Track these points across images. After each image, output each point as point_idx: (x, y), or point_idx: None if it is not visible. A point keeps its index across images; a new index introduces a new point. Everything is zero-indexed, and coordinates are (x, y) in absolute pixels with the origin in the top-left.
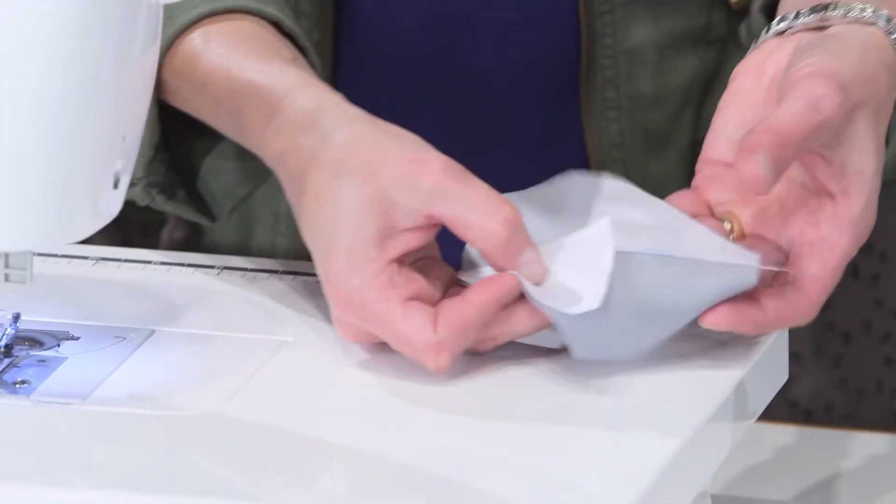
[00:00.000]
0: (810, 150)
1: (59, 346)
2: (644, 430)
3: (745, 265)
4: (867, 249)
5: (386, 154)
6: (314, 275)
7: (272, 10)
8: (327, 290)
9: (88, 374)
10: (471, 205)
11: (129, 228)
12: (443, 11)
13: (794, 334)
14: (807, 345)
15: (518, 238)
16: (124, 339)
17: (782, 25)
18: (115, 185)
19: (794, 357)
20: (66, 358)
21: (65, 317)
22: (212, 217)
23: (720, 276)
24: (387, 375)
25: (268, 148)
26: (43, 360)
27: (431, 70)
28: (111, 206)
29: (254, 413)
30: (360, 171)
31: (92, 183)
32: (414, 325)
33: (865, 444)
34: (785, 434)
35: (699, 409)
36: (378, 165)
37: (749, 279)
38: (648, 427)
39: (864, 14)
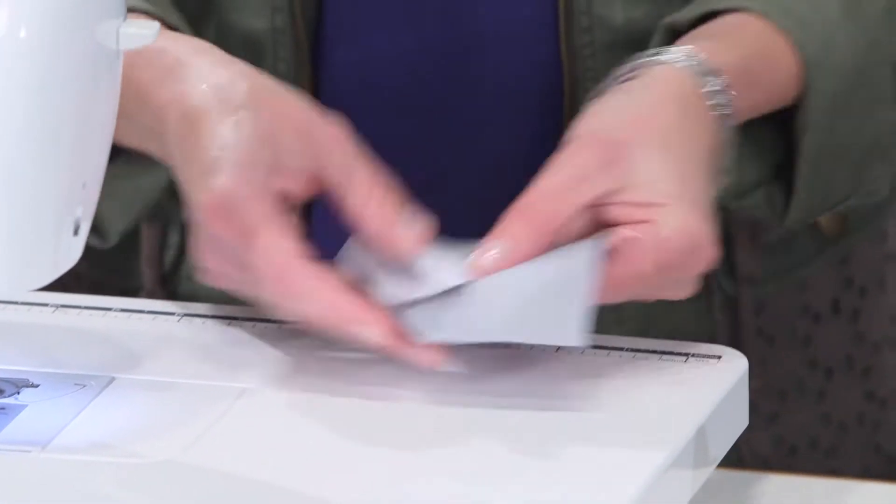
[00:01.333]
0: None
1: (18, 393)
2: (602, 475)
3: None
4: (847, 285)
5: (287, 103)
6: (276, 321)
7: (153, 9)
8: (202, 206)
9: (48, 422)
10: (354, 180)
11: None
12: (425, 71)
13: (779, 372)
14: (791, 382)
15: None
16: (84, 386)
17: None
18: (76, 232)
19: (780, 394)
20: (26, 405)
21: (24, 364)
22: (105, 240)
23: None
24: (350, 421)
25: (159, 98)
26: (2, 408)
27: (416, 127)
28: (71, 253)
29: (214, 460)
30: (261, 108)
31: (52, 230)
32: (283, 240)
33: (837, 490)
34: (743, 481)
35: (659, 455)
36: (279, 111)
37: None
38: (606, 473)
39: (660, 56)
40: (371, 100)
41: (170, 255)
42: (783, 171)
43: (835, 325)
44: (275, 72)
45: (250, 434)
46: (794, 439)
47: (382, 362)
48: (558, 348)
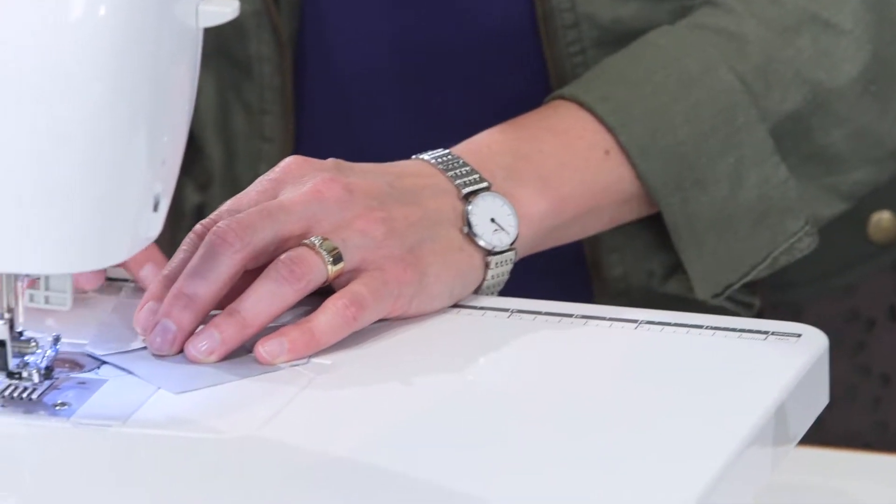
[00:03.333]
0: None
1: (98, 368)
2: (683, 454)
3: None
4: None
5: None
6: None
7: None
8: None
9: (128, 397)
10: None
11: None
12: (410, 60)
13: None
14: (841, 388)
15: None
16: None
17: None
18: (155, 208)
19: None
20: (107, 380)
21: (105, 339)
22: None
23: None
24: (429, 397)
25: None
26: (83, 383)
27: (397, 121)
28: (150, 229)
29: (292, 436)
30: None
31: (132, 206)
32: None
33: None
34: (825, 458)
35: (739, 433)
36: None
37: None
38: (688, 451)
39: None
40: (350, 92)
41: None
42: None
43: (891, 332)
44: (258, 54)
45: (329, 410)
46: (844, 444)
47: (459, 342)
48: (638, 325)
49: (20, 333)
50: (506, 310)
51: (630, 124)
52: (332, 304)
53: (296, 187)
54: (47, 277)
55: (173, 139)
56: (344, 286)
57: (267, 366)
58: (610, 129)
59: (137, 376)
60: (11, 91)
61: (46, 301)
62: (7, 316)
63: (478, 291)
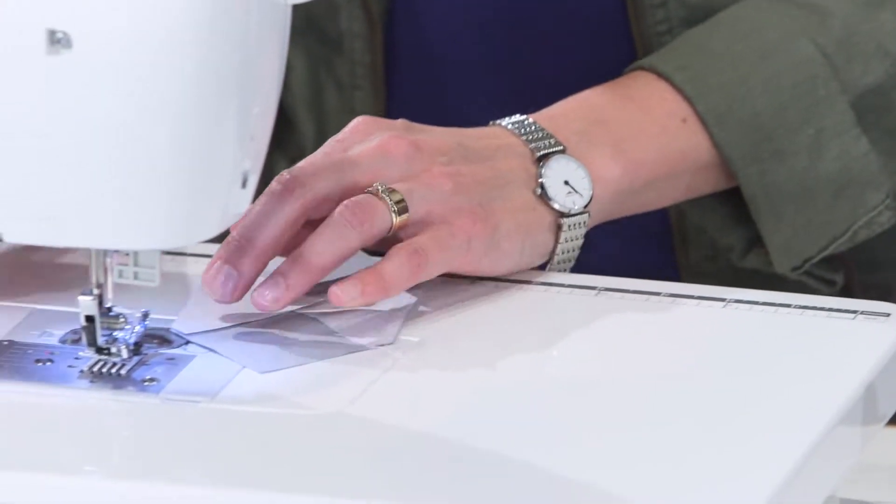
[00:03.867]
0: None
1: (187, 343)
2: (772, 432)
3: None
4: None
5: None
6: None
7: None
8: None
9: (217, 373)
10: None
11: None
12: (500, 37)
13: None
14: None
15: None
16: None
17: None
18: (244, 185)
19: None
20: (195, 356)
21: (194, 315)
22: None
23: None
24: (515, 376)
25: None
26: (171, 358)
27: (485, 102)
28: (239, 206)
29: (381, 413)
30: None
31: (220, 182)
32: None
33: None
34: None
35: (828, 412)
36: None
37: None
38: (777, 429)
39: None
40: (440, 68)
41: None
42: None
43: None
44: (349, 30)
45: (416, 387)
46: None
47: (546, 320)
48: (726, 303)
49: (109, 309)
50: (593, 287)
51: (707, 93)
52: (396, 253)
53: (364, 143)
54: (136, 254)
55: (262, 116)
56: (412, 238)
57: (345, 340)
58: (687, 98)
59: (222, 355)
60: (102, 66)
61: (135, 277)
62: (96, 292)
63: (550, 263)
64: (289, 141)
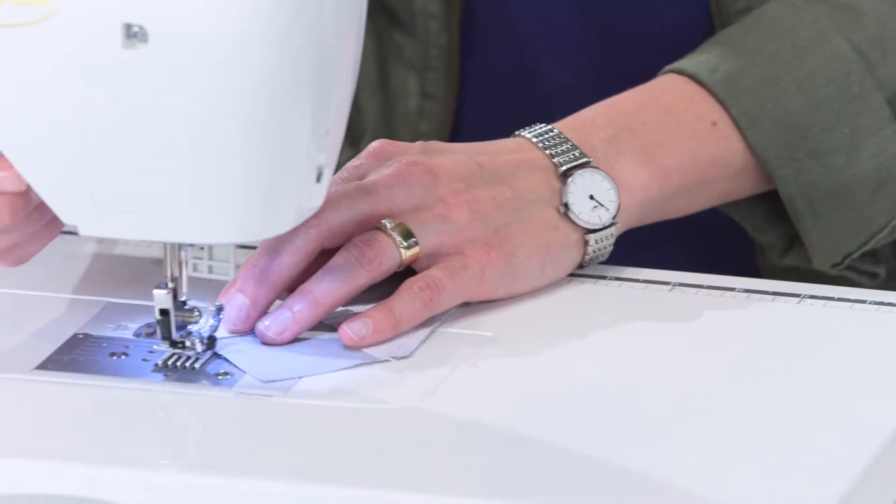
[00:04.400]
0: None
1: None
2: (846, 430)
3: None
4: None
5: None
6: None
7: None
8: None
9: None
10: None
11: None
12: (585, 20)
13: None
14: None
15: None
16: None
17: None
18: (318, 179)
19: None
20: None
21: None
22: None
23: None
24: (588, 371)
25: None
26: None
27: (571, 66)
28: (313, 200)
29: (454, 407)
30: None
31: (295, 177)
32: None
33: None
34: None
35: None
36: None
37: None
38: (851, 426)
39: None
40: (519, 49)
41: None
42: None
43: None
44: (425, 10)
45: (489, 381)
46: None
47: (619, 315)
48: (801, 299)
49: (184, 303)
50: (667, 283)
51: (740, 96)
52: (407, 287)
53: (380, 170)
54: (211, 247)
55: (337, 110)
56: (425, 269)
57: (361, 352)
58: (719, 101)
59: (228, 361)
60: (178, 60)
61: (210, 271)
62: (171, 285)
63: (581, 266)
64: (350, 123)
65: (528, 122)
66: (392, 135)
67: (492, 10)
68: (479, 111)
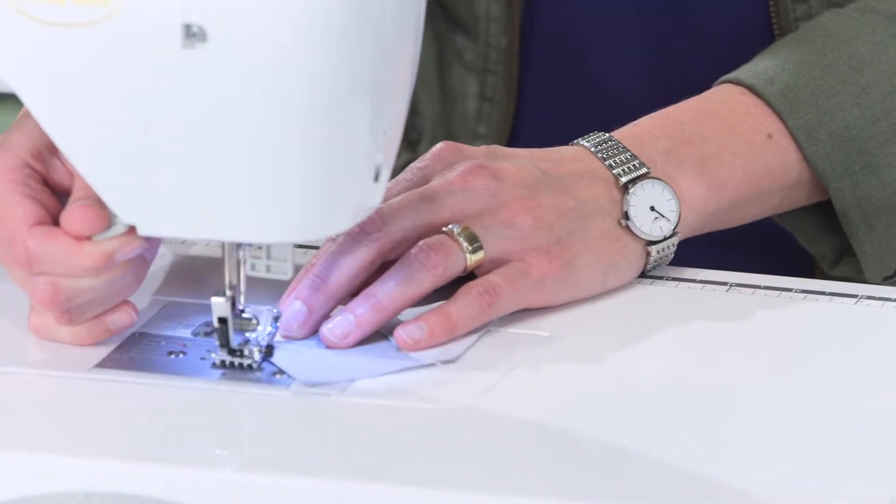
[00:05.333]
0: None
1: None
2: None
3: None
4: None
5: None
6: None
7: None
8: None
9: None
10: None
11: None
12: (647, 23)
13: None
14: None
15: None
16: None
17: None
18: (376, 179)
19: None
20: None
21: None
22: None
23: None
24: (645, 371)
25: None
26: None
27: (634, 70)
28: (371, 199)
29: (510, 407)
30: None
31: (353, 177)
32: (16, 211)
33: None
34: None
35: None
36: None
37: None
38: None
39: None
40: (579, 53)
41: None
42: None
43: None
44: (486, 13)
45: (546, 381)
46: None
47: (677, 315)
48: (858, 300)
49: (242, 311)
50: (724, 283)
51: (797, 108)
52: (466, 292)
53: (444, 174)
54: (269, 247)
55: (395, 110)
56: (485, 274)
57: (406, 356)
58: (776, 112)
59: (273, 364)
60: (236, 60)
61: (268, 270)
62: (229, 294)
63: (643, 274)
64: (408, 125)
65: (585, 127)
66: (450, 137)
67: (552, 15)
68: (537, 115)
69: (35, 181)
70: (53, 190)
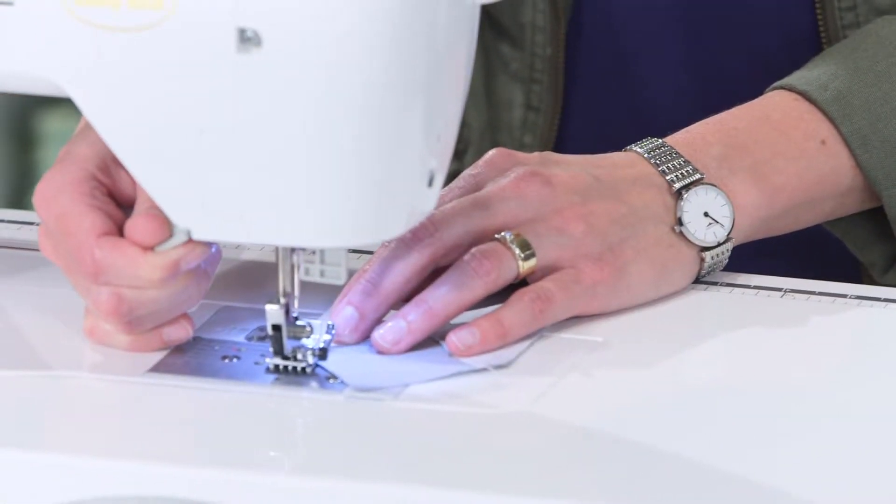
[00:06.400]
0: None
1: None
2: None
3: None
4: None
5: None
6: None
7: None
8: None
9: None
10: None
11: None
12: (693, 32)
13: None
14: None
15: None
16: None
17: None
18: (430, 184)
19: None
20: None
21: None
22: None
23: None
24: (699, 377)
25: None
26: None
27: (668, 84)
28: (425, 205)
29: (564, 412)
30: None
31: (407, 182)
32: (83, 222)
33: None
34: None
35: None
36: None
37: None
38: None
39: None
40: (626, 63)
41: None
42: None
43: None
44: (532, 22)
45: (600, 386)
46: None
47: (730, 321)
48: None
49: (296, 318)
50: (779, 289)
51: (851, 114)
52: (518, 298)
53: (497, 181)
54: (322, 251)
55: (449, 116)
56: (538, 281)
57: (458, 361)
58: (830, 119)
59: (325, 368)
60: (291, 65)
61: (321, 275)
62: (283, 301)
63: (696, 280)
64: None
65: (630, 136)
66: (495, 147)
67: (597, 24)
68: (581, 124)
69: (101, 193)
70: (119, 202)
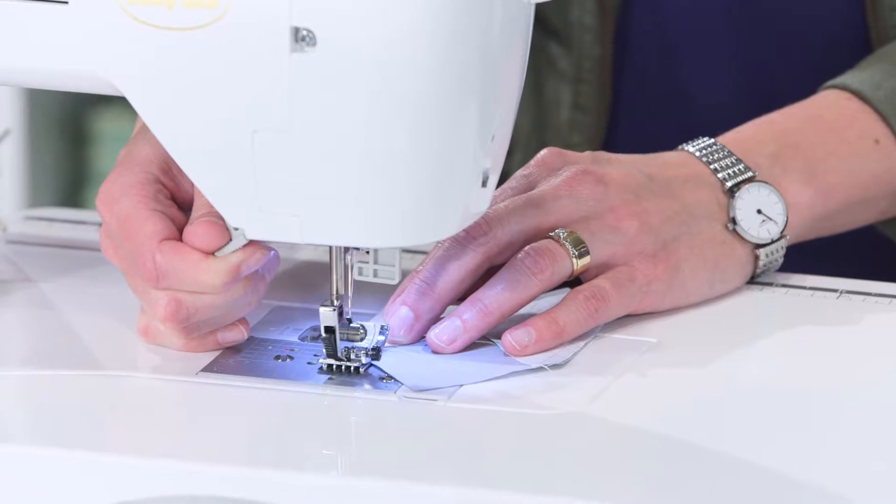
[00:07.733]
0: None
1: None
2: None
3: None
4: None
5: None
6: None
7: None
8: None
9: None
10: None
11: None
12: (743, 32)
13: None
14: None
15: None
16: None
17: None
18: (484, 184)
19: None
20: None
21: None
22: None
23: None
24: (754, 378)
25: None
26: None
27: (716, 82)
28: (479, 205)
29: (619, 413)
30: None
31: (461, 181)
32: (145, 226)
33: None
34: None
35: None
36: None
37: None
38: None
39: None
40: (671, 62)
41: None
42: None
43: None
44: (580, 22)
45: (654, 387)
46: None
47: (786, 322)
48: None
49: (349, 320)
50: (835, 290)
51: None
52: (573, 297)
53: (550, 180)
54: (376, 251)
55: (503, 116)
56: (592, 279)
57: (514, 360)
58: (883, 118)
59: (381, 369)
60: (345, 64)
61: (375, 275)
62: (336, 303)
63: (752, 280)
64: None
65: (678, 136)
66: (545, 146)
67: (645, 23)
68: (629, 124)
69: (164, 196)
70: (180, 205)
